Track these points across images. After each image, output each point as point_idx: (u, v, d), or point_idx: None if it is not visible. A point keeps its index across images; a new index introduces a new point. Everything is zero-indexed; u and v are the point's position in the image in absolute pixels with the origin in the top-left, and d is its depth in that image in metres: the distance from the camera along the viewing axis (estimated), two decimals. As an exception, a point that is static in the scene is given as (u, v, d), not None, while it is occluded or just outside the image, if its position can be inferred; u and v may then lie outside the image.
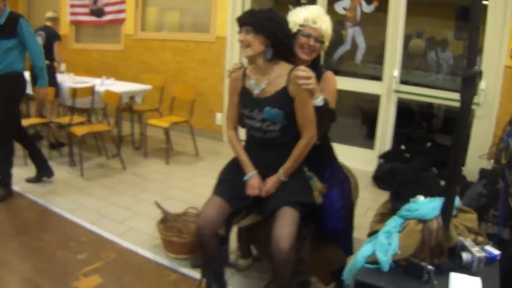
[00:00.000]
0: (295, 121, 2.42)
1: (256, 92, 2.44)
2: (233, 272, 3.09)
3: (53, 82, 5.35)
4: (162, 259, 3.22)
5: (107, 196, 4.31)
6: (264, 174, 2.51)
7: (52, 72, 5.40)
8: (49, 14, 5.63)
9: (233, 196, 2.49)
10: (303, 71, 2.32)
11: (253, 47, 2.35)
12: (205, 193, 4.45)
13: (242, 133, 2.68)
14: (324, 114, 2.45)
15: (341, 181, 2.73)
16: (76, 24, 7.78)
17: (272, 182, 2.47)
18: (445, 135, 6.53)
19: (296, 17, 2.50)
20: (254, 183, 2.48)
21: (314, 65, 2.56)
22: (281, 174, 2.45)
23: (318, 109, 2.40)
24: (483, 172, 4.19)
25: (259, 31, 2.32)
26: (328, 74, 2.59)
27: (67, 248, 3.27)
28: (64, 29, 7.84)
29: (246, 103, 2.50)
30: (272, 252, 2.23)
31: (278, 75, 2.40)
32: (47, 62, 5.27)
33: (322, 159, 2.67)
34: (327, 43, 2.57)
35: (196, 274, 3.05)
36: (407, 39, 5.78)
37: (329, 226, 2.59)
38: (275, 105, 2.38)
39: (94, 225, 3.67)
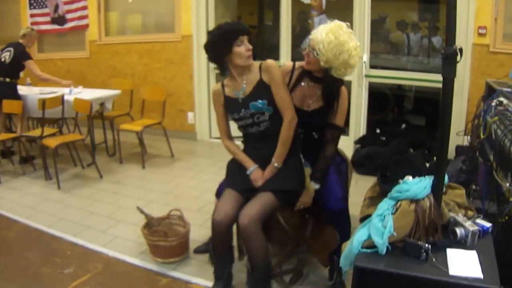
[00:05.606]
0: None
1: (241, 97, 2.63)
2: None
3: (17, 96, 5.23)
4: (151, 265, 3.17)
5: (86, 206, 4.21)
6: (265, 167, 2.67)
7: (14, 88, 5.27)
8: (22, 30, 5.49)
9: (244, 187, 2.63)
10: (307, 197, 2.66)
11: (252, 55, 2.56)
12: (186, 194, 4.46)
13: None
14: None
15: (338, 164, 2.88)
16: (38, 34, 7.56)
17: (267, 171, 2.65)
18: (417, 116, 6.59)
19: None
20: (256, 176, 2.65)
21: (325, 79, 2.57)
22: (274, 161, 2.62)
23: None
24: (459, 149, 4.23)
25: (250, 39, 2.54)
26: (343, 90, 2.63)
27: (52, 264, 3.18)
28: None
29: (233, 108, 2.67)
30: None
31: (252, 73, 2.62)
32: (7, 79, 5.14)
33: (319, 150, 2.75)
34: (323, 57, 2.43)
35: (186, 276, 3.03)
36: (375, 24, 5.80)
37: (330, 205, 2.68)
38: (257, 97, 2.57)
39: (77, 237, 3.58)
